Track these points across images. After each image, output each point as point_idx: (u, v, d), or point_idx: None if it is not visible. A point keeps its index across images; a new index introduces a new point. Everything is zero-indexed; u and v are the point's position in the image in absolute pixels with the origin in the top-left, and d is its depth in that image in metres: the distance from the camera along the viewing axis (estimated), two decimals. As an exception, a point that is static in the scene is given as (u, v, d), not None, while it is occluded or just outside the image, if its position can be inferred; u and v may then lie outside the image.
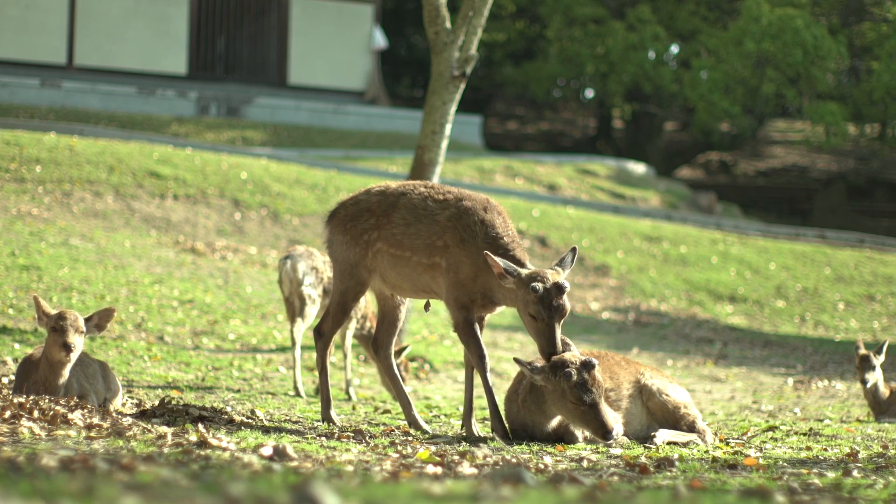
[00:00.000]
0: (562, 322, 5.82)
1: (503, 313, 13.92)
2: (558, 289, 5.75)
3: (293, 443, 5.31)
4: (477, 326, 6.14)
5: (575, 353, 5.87)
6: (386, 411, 7.64)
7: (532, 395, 5.96)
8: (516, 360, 5.85)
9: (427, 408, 8.12)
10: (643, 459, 5.24)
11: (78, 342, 5.78)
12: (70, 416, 5.36)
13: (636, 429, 6.24)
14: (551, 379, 5.70)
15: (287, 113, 25.34)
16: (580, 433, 5.98)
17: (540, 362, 5.85)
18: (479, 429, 6.37)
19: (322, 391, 6.56)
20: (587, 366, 5.66)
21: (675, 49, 32.02)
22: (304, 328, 8.39)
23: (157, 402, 6.45)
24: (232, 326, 10.35)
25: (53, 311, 5.88)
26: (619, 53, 29.30)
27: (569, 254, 6.07)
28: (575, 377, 5.60)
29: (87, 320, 5.93)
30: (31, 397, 5.69)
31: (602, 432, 5.60)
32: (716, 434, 6.59)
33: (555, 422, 5.98)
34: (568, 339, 5.98)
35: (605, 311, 15.33)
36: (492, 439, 6.02)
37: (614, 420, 5.98)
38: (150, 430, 5.26)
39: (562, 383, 5.64)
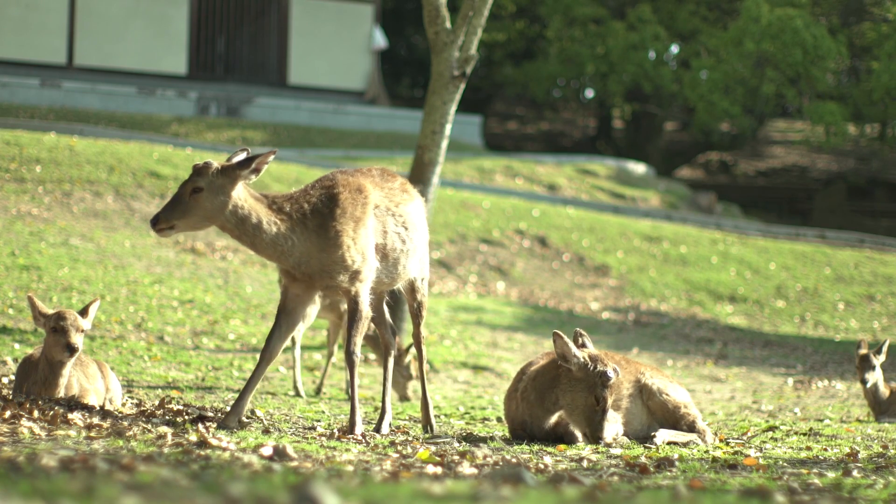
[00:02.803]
0: None
1: (503, 313, 13.95)
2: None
3: (293, 443, 5.31)
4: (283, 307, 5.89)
5: (591, 349, 5.92)
6: (386, 411, 7.63)
7: (535, 384, 5.96)
8: (557, 334, 5.79)
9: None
10: (643, 459, 5.24)
11: (80, 341, 5.78)
12: (70, 416, 5.37)
13: (636, 428, 6.24)
14: (586, 369, 5.74)
15: (287, 113, 25.34)
16: (579, 432, 6.00)
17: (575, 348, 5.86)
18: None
19: (383, 406, 6.46)
20: (616, 372, 5.80)
21: (675, 49, 32.02)
22: (303, 328, 8.39)
23: (157, 402, 6.46)
24: (232, 326, 10.35)
25: (50, 312, 5.87)
26: (620, 53, 29.30)
27: (240, 152, 5.77)
28: (613, 379, 5.73)
29: (81, 315, 5.92)
30: (31, 397, 5.69)
31: (599, 436, 5.74)
32: (716, 434, 6.59)
33: (554, 418, 5.98)
34: (584, 332, 6.04)
35: (605, 311, 15.33)
36: (491, 439, 6.02)
37: (613, 420, 6.03)
38: (150, 430, 5.26)
39: (595, 378, 5.71)
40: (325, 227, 5.71)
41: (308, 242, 5.70)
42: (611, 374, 5.72)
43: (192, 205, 5.49)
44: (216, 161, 5.62)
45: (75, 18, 24.59)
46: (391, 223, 6.03)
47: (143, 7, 25.32)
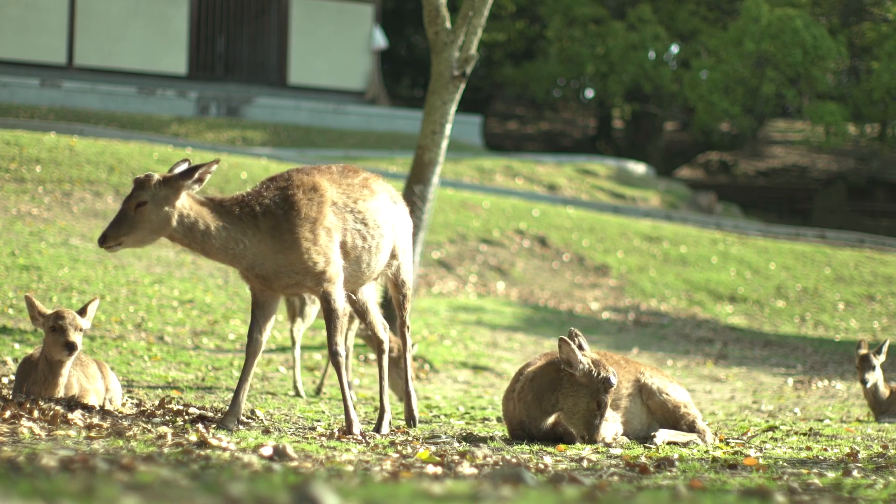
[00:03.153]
0: None
1: (503, 313, 13.95)
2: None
3: (293, 443, 5.31)
4: (257, 311, 5.91)
5: (587, 349, 5.95)
6: (386, 411, 7.63)
7: (533, 385, 5.98)
8: (563, 340, 5.82)
9: (427, 408, 8.12)
10: (643, 459, 5.24)
11: (79, 340, 5.77)
12: (70, 416, 5.36)
13: (636, 428, 6.25)
14: (590, 375, 5.79)
15: (287, 113, 25.33)
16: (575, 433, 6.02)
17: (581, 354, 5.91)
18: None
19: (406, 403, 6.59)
20: (615, 376, 5.91)
21: (675, 49, 32.02)
22: (304, 328, 8.40)
23: (157, 402, 6.45)
24: (232, 326, 10.35)
25: (49, 311, 5.87)
26: (620, 53, 29.30)
27: (182, 162, 5.73)
28: (614, 385, 5.82)
29: (80, 314, 5.92)
30: (31, 397, 5.69)
31: (595, 439, 5.82)
32: (716, 434, 6.59)
33: (552, 419, 6.00)
34: (579, 332, 6.04)
35: (605, 311, 15.32)
36: (491, 439, 6.02)
37: (613, 419, 6.05)
38: (150, 430, 5.26)
39: (599, 384, 5.77)
40: (280, 229, 5.68)
41: (262, 245, 5.67)
42: (613, 380, 5.78)
43: (137, 219, 5.48)
44: (157, 173, 5.61)
45: (75, 18, 24.59)
46: (350, 220, 5.93)
47: (143, 7, 25.32)
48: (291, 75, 26.59)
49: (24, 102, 22.69)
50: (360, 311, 6.48)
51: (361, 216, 5.97)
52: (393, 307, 10.12)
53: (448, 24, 10.06)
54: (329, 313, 5.85)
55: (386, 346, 6.56)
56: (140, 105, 24.06)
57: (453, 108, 10.20)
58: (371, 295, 6.52)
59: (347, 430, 5.87)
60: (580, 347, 5.95)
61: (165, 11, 25.53)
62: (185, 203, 5.57)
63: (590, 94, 35.18)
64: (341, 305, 5.88)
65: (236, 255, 5.68)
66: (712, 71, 27.90)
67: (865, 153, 33.89)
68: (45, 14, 24.29)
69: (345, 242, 5.90)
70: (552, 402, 5.91)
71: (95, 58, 24.78)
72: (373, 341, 8.58)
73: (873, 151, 32.87)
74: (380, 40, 27.08)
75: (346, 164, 6.24)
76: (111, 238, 5.46)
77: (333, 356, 5.89)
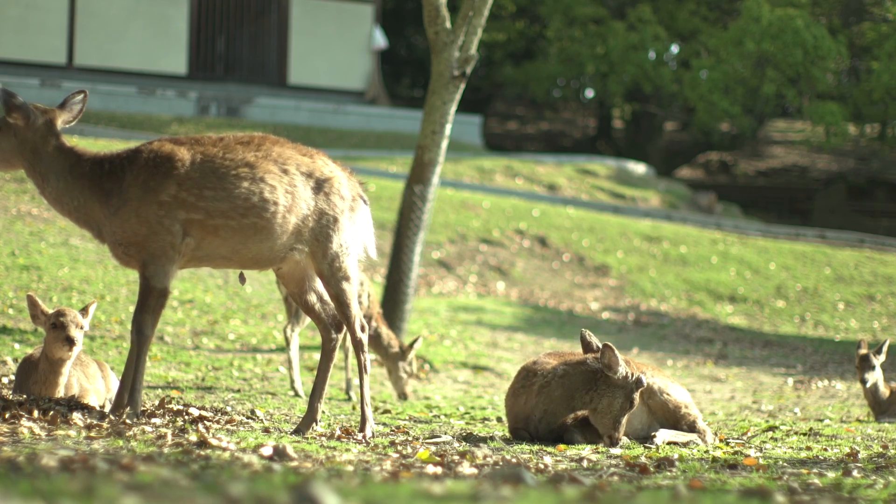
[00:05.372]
0: None
1: (503, 313, 13.95)
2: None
3: (293, 443, 5.30)
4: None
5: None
6: (386, 411, 7.64)
7: (563, 381, 6.03)
8: (607, 346, 5.92)
9: (427, 408, 8.12)
10: (643, 459, 5.24)
11: (79, 337, 5.76)
12: (70, 416, 5.36)
13: (636, 428, 6.25)
14: (627, 378, 5.91)
15: (287, 113, 25.33)
16: (579, 435, 6.03)
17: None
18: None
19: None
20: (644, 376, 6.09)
21: (675, 49, 32.03)
22: (298, 328, 8.38)
23: (157, 402, 6.45)
24: (232, 326, 10.35)
25: (51, 311, 5.87)
26: (620, 53, 29.31)
27: (76, 94, 5.59)
28: (645, 385, 5.95)
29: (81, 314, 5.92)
30: (31, 397, 5.68)
31: (617, 438, 5.88)
32: (716, 434, 6.59)
33: (568, 416, 6.08)
34: (591, 333, 6.14)
35: (605, 311, 15.32)
36: (491, 439, 6.02)
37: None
38: (150, 430, 5.26)
39: (633, 385, 5.90)
40: (112, 192, 5.41)
41: (96, 205, 5.46)
42: (644, 380, 5.91)
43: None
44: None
45: (75, 18, 24.59)
46: (209, 197, 5.45)
47: (143, 7, 25.31)
48: (291, 75, 26.59)
49: (24, 102, 22.67)
50: (305, 305, 6.02)
51: (227, 194, 5.46)
52: (392, 306, 10.11)
53: (448, 24, 10.06)
54: (144, 289, 5.48)
55: (334, 344, 6.06)
56: (140, 105, 24.06)
57: (453, 108, 10.20)
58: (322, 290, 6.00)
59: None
60: (588, 346, 6.10)
61: (165, 11, 25.52)
62: (40, 142, 5.49)
63: (590, 94, 35.19)
64: (160, 286, 5.47)
65: (70, 212, 5.52)
66: (712, 71, 27.91)
67: (865, 153, 33.90)
68: (45, 14, 24.28)
69: (202, 221, 5.46)
70: (585, 400, 5.97)
71: (95, 58, 24.78)
72: (379, 342, 8.69)
73: (873, 151, 32.88)
74: (380, 40, 27.08)
75: (265, 138, 5.70)
76: None
77: (137, 333, 5.51)
